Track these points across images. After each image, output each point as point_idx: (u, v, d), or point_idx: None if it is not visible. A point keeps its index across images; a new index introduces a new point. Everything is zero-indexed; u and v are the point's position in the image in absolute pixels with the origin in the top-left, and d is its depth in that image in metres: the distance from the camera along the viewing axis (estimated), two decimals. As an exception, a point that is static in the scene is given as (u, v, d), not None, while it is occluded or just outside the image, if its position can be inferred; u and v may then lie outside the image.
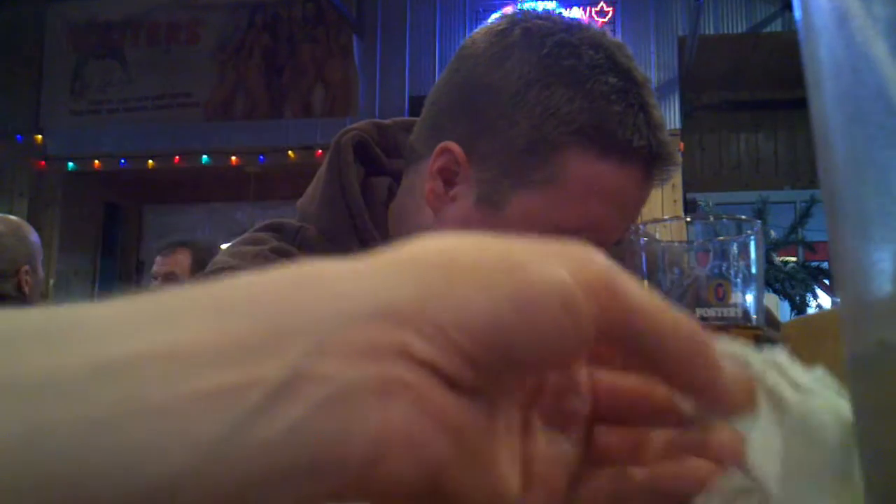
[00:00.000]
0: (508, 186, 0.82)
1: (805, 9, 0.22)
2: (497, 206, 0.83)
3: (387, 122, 1.02)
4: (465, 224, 0.84)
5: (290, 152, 5.90)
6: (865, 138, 0.20)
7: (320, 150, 5.64)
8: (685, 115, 5.86)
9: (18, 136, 6.20)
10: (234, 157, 6.03)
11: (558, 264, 0.25)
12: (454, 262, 0.24)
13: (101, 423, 0.20)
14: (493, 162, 0.83)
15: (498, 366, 0.24)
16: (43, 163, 6.16)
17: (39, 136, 6.21)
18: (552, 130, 0.80)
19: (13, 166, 6.17)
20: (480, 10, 5.73)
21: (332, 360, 0.22)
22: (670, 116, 5.59)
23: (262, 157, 6.00)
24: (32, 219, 5.69)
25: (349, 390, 0.22)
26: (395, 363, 0.22)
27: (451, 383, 0.23)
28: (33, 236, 2.30)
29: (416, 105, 5.28)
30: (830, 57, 0.21)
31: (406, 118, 1.02)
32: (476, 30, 0.90)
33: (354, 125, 0.99)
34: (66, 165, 6.16)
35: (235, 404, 0.21)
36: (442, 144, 0.85)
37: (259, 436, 0.21)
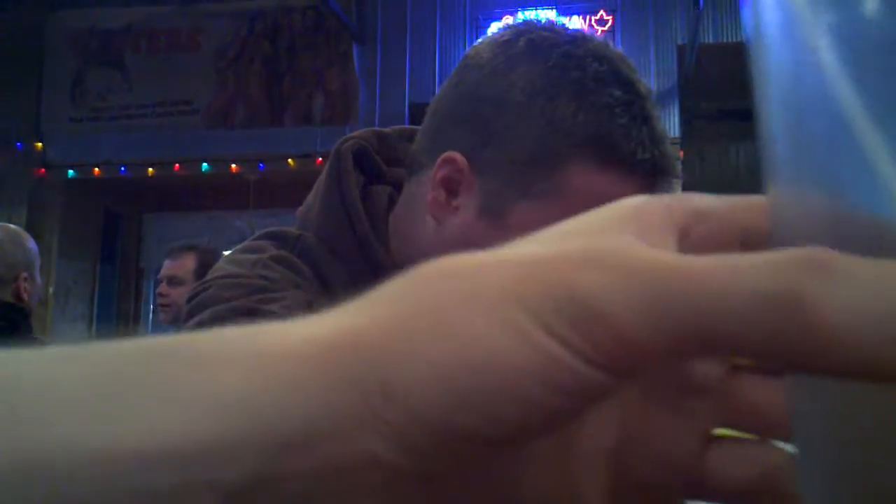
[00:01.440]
0: (511, 197, 0.82)
1: (755, 14, 0.22)
2: (499, 217, 0.82)
3: (387, 130, 1.02)
4: (468, 235, 0.84)
5: (289, 160, 5.91)
6: (809, 145, 0.20)
7: (320, 159, 5.64)
8: (684, 124, 5.87)
9: (18, 144, 6.21)
10: (233, 165, 6.04)
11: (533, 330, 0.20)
12: (410, 347, 0.21)
13: None
14: (497, 173, 0.83)
15: (475, 458, 0.22)
16: (43, 170, 6.16)
17: (39, 144, 6.22)
18: (556, 142, 0.80)
19: (13, 174, 6.17)
20: (480, 17, 5.75)
21: (288, 472, 0.20)
22: (669, 125, 5.59)
23: (261, 164, 6.01)
24: (32, 226, 5.70)
25: (307, 501, 0.21)
26: (355, 472, 0.21)
27: (423, 480, 0.21)
28: (31, 244, 2.30)
29: (416, 113, 5.29)
30: (777, 63, 0.21)
31: (406, 126, 1.02)
32: (480, 40, 0.90)
33: (354, 133, 0.99)
34: (66, 173, 6.17)
35: None
36: (445, 155, 0.85)
37: None
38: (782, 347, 0.19)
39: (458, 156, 0.84)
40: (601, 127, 0.79)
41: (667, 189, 0.84)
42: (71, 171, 6.17)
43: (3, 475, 0.19)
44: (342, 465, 0.20)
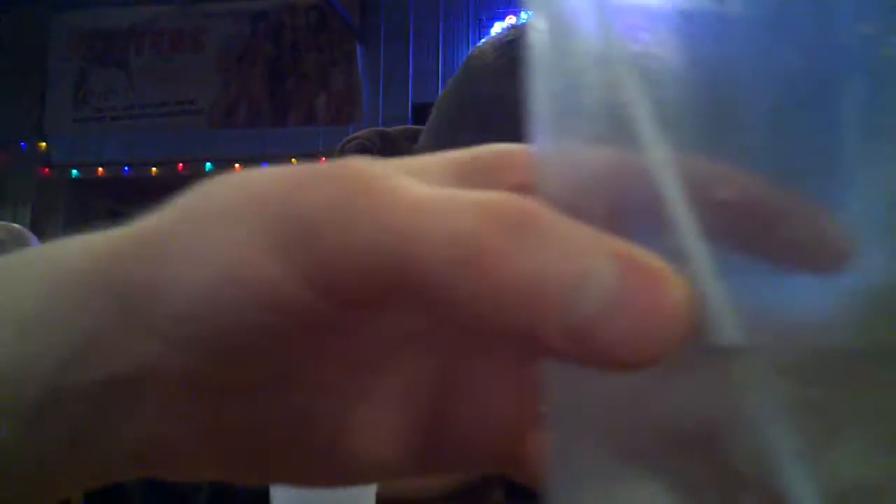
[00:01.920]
0: None
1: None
2: None
3: (390, 130, 1.02)
4: None
5: (293, 160, 5.90)
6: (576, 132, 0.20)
7: (324, 159, 5.63)
8: (688, 124, 5.86)
9: (22, 144, 6.21)
10: (237, 165, 6.04)
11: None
12: (169, 254, 0.20)
13: None
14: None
15: (233, 363, 0.21)
16: (47, 170, 6.17)
17: (43, 144, 6.22)
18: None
19: (17, 173, 6.17)
20: (483, 18, 5.74)
21: (82, 380, 0.21)
22: (673, 125, 5.58)
23: (265, 164, 5.99)
24: (36, 226, 5.70)
25: (102, 406, 0.21)
26: (135, 380, 0.21)
27: (198, 387, 0.21)
28: (35, 243, 2.30)
29: (419, 113, 5.29)
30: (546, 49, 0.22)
31: (409, 126, 1.02)
32: (483, 41, 0.90)
33: (357, 133, 1.00)
34: (70, 173, 6.17)
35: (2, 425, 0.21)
36: None
37: (35, 453, 0.21)
38: (458, 301, 0.18)
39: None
40: None
41: None
42: (75, 171, 6.18)
43: None
44: (123, 375, 0.20)
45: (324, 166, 0.20)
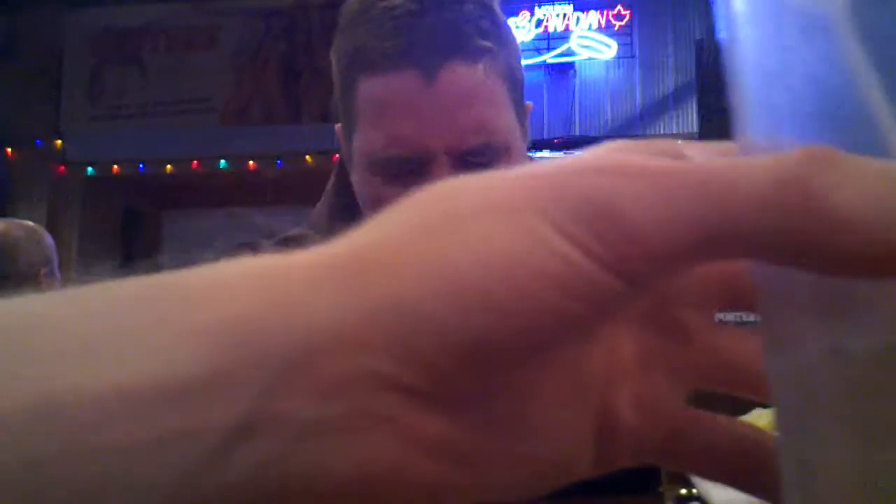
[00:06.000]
0: (349, 138, 0.90)
1: None
2: (350, 160, 0.90)
3: None
4: (360, 194, 0.91)
5: (307, 157, 5.92)
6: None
7: (337, 155, 5.64)
8: (703, 120, 5.83)
9: (38, 142, 6.25)
10: (251, 162, 6.06)
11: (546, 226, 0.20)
12: (422, 256, 0.20)
13: (40, 465, 0.17)
14: (344, 125, 0.92)
15: (488, 373, 0.20)
16: (62, 168, 6.20)
17: (59, 142, 6.26)
18: (345, 73, 0.88)
19: (33, 171, 6.21)
20: (497, 14, 5.73)
21: (293, 398, 0.19)
22: (688, 121, 5.57)
23: (279, 161, 6.02)
24: (52, 223, 5.73)
25: (317, 429, 0.19)
26: (364, 394, 0.19)
27: (434, 400, 0.20)
28: (48, 239, 2.32)
29: (432, 110, 5.27)
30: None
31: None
32: None
33: None
34: (86, 170, 6.20)
35: (188, 450, 0.18)
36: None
37: (219, 481, 0.18)
38: (791, 235, 0.19)
39: (337, 127, 0.94)
40: (353, 42, 0.86)
41: (448, 57, 0.84)
42: (90, 169, 6.21)
43: (6, 416, 0.17)
44: (345, 385, 0.19)
45: (572, 162, 0.21)
